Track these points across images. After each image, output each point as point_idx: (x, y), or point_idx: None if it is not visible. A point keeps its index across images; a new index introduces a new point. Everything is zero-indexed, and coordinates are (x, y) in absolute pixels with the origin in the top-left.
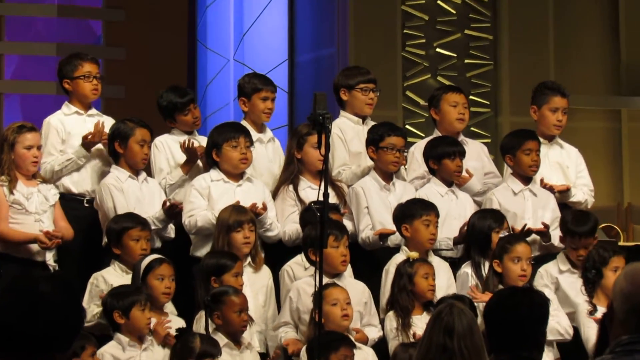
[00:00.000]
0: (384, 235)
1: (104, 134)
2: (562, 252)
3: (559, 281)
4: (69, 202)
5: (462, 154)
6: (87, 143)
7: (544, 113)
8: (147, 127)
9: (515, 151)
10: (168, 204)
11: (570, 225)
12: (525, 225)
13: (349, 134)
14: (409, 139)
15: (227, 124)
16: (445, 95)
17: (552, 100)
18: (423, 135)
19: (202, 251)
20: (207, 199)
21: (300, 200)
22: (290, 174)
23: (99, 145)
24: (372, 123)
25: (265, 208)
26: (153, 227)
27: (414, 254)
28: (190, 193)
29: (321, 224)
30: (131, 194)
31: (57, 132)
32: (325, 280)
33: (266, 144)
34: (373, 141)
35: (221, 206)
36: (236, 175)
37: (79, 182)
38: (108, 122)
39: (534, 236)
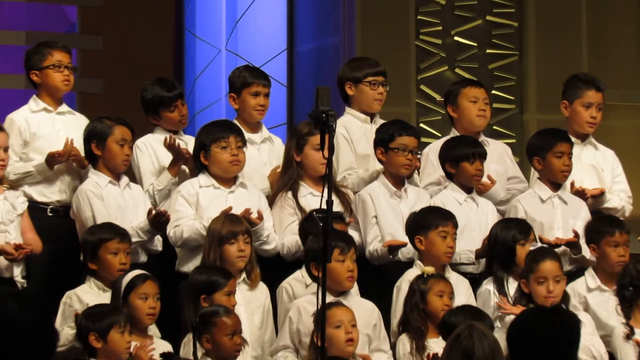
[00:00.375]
0: (394, 248)
1: (74, 152)
2: (591, 267)
3: (587, 301)
4: (32, 210)
5: (482, 155)
6: (52, 160)
7: (576, 109)
8: (128, 125)
9: (545, 153)
10: (154, 212)
11: (598, 225)
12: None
13: (355, 133)
14: (423, 139)
15: (215, 123)
16: (464, 90)
17: (586, 95)
18: (439, 135)
19: (190, 266)
20: (195, 207)
21: (301, 209)
22: (289, 179)
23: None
24: (382, 121)
25: (261, 217)
26: (137, 239)
27: (429, 269)
28: (175, 200)
29: (324, 235)
30: (112, 202)
31: (19, 133)
32: (330, 298)
33: (259, 145)
34: (382, 141)
35: (211, 215)
36: (228, 180)
37: (42, 189)
38: (82, 122)
39: (563, 248)
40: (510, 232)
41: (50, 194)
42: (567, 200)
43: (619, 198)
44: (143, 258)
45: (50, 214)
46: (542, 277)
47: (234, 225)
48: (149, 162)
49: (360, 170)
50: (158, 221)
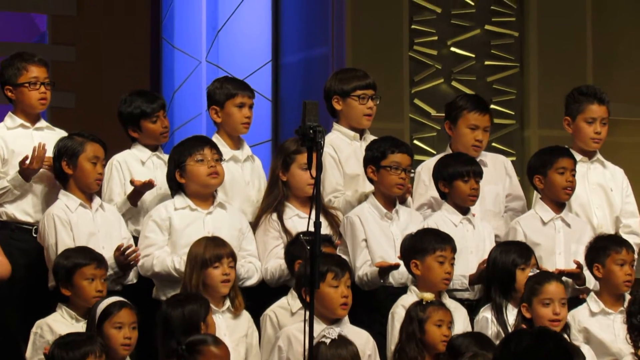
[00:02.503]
0: (385, 270)
1: (47, 159)
2: (593, 292)
3: (588, 330)
4: (14, 232)
5: (477, 174)
6: (25, 170)
7: (579, 125)
8: (100, 142)
9: (546, 170)
10: (122, 250)
11: (603, 242)
12: (558, 271)
13: (343, 152)
14: (417, 157)
15: (188, 139)
16: (467, 114)
17: (588, 109)
18: (434, 153)
19: (168, 293)
20: (168, 232)
21: (286, 232)
22: (274, 200)
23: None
24: (372, 138)
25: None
26: (110, 272)
27: (429, 296)
28: (146, 225)
29: (311, 259)
30: (82, 228)
31: None
32: (321, 326)
33: (242, 163)
34: (373, 159)
35: (186, 240)
36: (205, 199)
37: (25, 207)
38: (60, 137)
39: (564, 278)
40: (510, 256)
41: (35, 213)
42: (570, 222)
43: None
44: (118, 286)
45: (35, 235)
46: (548, 298)
47: (218, 248)
48: (118, 184)
49: (349, 192)
50: (125, 263)
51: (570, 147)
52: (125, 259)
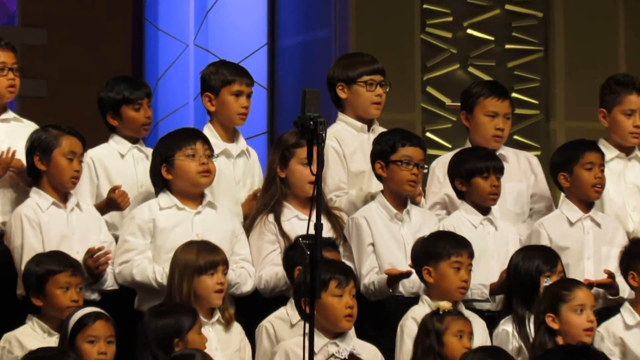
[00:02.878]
0: (394, 279)
1: (14, 164)
2: (627, 301)
3: (624, 341)
4: None
5: (498, 169)
6: None
7: (616, 117)
8: (78, 135)
9: (571, 166)
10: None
11: (635, 246)
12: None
13: (349, 146)
14: (431, 151)
15: (178, 130)
16: (484, 101)
17: (626, 100)
18: (449, 147)
19: (151, 305)
20: (151, 236)
21: (284, 235)
22: (271, 199)
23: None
24: (381, 129)
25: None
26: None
27: (446, 304)
28: (126, 228)
29: (312, 265)
30: (53, 230)
31: None
32: (323, 341)
33: (235, 158)
34: (382, 154)
35: (172, 243)
36: (194, 198)
37: None
38: (30, 131)
39: (595, 289)
40: (533, 262)
41: (3, 214)
42: (600, 222)
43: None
44: (94, 295)
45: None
46: (580, 304)
47: (213, 254)
48: (87, 184)
49: (353, 191)
50: (92, 267)
51: (606, 139)
52: (94, 262)
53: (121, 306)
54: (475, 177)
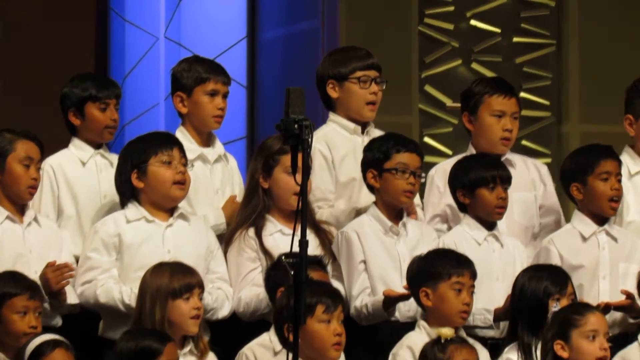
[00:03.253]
0: (391, 301)
1: None
2: None
3: None
4: None
5: (506, 179)
6: None
7: None
8: (35, 140)
9: (585, 177)
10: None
11: None
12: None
13: (339, 150)
14: (429, 159)
15: (152, 134)
16: (489, 99)
17: None
18: (449, 153)
19: (118, 331)
20: (116, 252)
21: (265, 252)
22: (253, 212)
23: None
24: (378, 132)
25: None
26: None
27: (447, 332)
28: (89, 243)
29: (296, 287)
30: (7, 247)
31: None
32: None
33: (212, 164)
34: (374, 162)
35: (141, 260)
36: (165, 209)
37: None
38: None
39: (613, 313)
40: (541, 284)
41: None
42: (616, 236)
43: None
44: (57, 320)
45: None
46: (593, 330)
47: (188, 276)
48: (49, 195)
49: (341, 202)
50: (52, 283)
51: (632, 147)
52: (55, 277)
53: (84, 333)
54: (480, 188)
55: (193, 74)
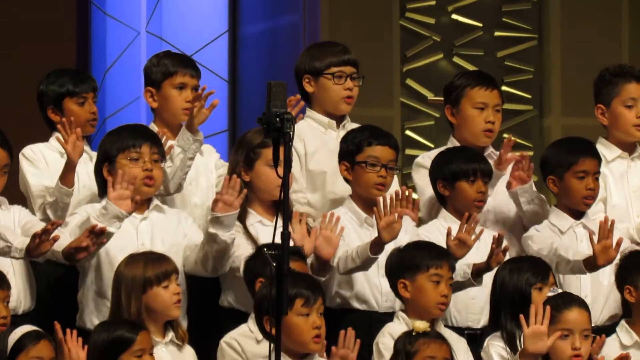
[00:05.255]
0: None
1: None
2: (623, 320)
3: None
4: None
5: (486, 174)
6: None
7: (615, 111)
8: (4, 145)
9: (562, 172)
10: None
11: (633, 259)
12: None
13: (311, 144)
14: (410, 152)
15: (125, 127)
16: (471, 91)
17: (625, 89)
18: (432, 147)
19: (94, 320)
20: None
21: (250, 238)
22: None
23: None
24: (353, 126)
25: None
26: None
27: (421, 325)
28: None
29: (278, 278)
30: None
31: None
32: None
33: None
34: (347, 154)
35: (116, 253)
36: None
37: None
38: None
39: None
40: (522, 275)
41: None
42: (593, 228)
43: None
44: (27, 304)
45: None
46: (567, 329)
47: (163, 264)
48: (38, 175)
49: (315, 195)
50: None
51: (605, 138)
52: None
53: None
54: (460, 180)
55: (161, 68)
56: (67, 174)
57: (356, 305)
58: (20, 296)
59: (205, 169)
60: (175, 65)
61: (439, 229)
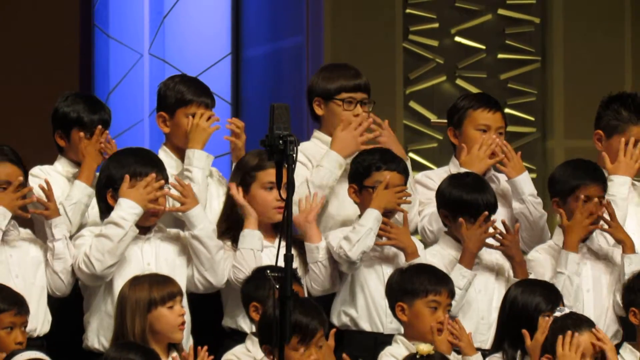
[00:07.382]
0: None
1: None
2: (627, 343)
3: None
4: None
5: (490, 206)
6: None
7: (614, 145)
8: (16, 161)
9: (565, 195)
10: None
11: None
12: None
13: (317, 160)
14: (413, 174)
15: (130, 152)
16: (473, 113)
17: (630, 131)
18: (434, 168)
19: (103, 340)
20: None
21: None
22: (229, 227)
23: None
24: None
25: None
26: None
27: (425, 348)
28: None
29: (281, 304)
30: None
31: None
32: None
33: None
34: (356, 176)
35: (121, 273)
36: (142, 222)
37: None
38: None
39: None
40: (534, 298)
41: None
42: (597, 250)
43: None
44: (45, 328)
45: None
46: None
47: (168, 285)
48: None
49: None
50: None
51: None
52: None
53: (68, 344)
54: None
55: (176, 94)
56: (86, 172)
57: (362, 325)
58: (37, 321)
59: (216, 193)
60: (192, 94)
61: (441, 254)
